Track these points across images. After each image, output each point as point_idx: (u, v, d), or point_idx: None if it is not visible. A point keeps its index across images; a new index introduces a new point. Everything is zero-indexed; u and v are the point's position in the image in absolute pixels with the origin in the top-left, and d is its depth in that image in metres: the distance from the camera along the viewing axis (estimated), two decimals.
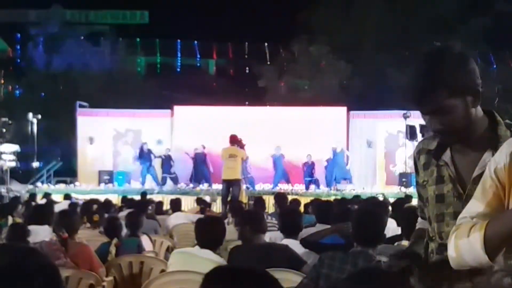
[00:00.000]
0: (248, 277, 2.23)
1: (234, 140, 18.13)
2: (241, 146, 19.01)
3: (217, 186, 22.17)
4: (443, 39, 31.52)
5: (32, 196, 18.69)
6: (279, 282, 2.26)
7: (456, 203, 2.87)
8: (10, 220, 9.97)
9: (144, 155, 25.41)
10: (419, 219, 3.31)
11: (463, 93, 2.73)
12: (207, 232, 5.95)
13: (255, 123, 26.98)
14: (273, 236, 7.58)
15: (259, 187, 24.19)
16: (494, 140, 2.80)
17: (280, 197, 12.94)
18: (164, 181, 25.28)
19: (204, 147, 25.07)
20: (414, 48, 33.06)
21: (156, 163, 25.79)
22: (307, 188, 24.41)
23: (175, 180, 25.33)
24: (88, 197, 19.60)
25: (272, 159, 25.22)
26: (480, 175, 2.73)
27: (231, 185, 17.65)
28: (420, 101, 2.76)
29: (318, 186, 24.59)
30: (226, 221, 10.33)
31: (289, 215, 7.12)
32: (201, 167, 25.17)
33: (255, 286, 2.19)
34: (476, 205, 2.47)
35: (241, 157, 17.88)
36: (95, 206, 12.90)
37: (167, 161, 25.69)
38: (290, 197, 16.18)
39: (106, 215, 10.50)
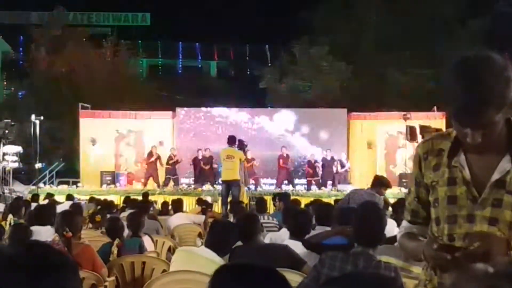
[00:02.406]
0: (257, 274, 2.27)
1: (232, 141, 18.11)
2: (242, 147, 19.01)
3: (219, 187, 22.18)
4: (442, 40, 31.57)
5: (35, 196, 18.69)
6: (287, 279, 2.29)
7: (470, 206, 2.83)
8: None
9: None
10: (405, 223, 3.25)
11: (507, 106, 2.67)
12: (219, 235, 5.97)
13: (256, 125, 27.09)
14: (273, 236, 7.61)
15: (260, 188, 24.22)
16: None
17: (284, 196, 13.03)
18: (167, 182, 25.32)
19: (205, 150, 25.19)
20: (414, 49, 33.11)
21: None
22: (308, 188, 24.50)
23: (176, 182, 25.38)
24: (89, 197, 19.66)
25: (282, 159, 25.32)
26: (499, 180, 2.79)
27: (230, 185, 17.64)
28: (472, 118, 2.65)
29: (319, 186, 24.64)
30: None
31: (300, 217, 7.10)
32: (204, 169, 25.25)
33: (265, 283, 2.23)
34: None
35: (239, 158, 17.82)
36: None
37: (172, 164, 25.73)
38: (291, 198, 16.23)
39: (108, 216, 10.52)
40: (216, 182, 23.78)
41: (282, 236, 7.19)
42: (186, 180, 25.94)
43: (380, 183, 10.84)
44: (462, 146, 2.87)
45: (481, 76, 2.62)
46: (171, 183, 25.12)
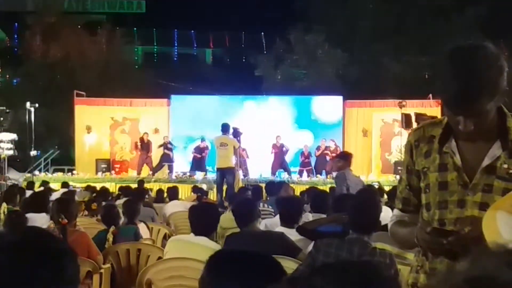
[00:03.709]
0: (252, 261, 2.27)
1: (226, 129, 18.13)
2: (237, 135, 19.00)
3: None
4: (438, 27, 31.53)
5: (30, 184, 18.66)
6: (282, 266, 2.30)
7: (460, 191, 2.87)
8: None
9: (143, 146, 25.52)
10: (396, 212, 3.26)
11: (499, 95, 2.72)
12: (200, 219, 5.98)
13: (252, 112, 27.11)
14: (268, 223, 7.62)
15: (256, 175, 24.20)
16: (503, 132, 2.83)
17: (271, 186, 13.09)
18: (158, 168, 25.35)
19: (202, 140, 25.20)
20: (409, 37, 33.08)
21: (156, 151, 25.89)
22: (300, 175, 24.55)
23: (171, 169, 25.41)
24: (85, 185, 19.68)
25: (274, 149, 25.30)
26: (490, 165, 2.81)
27: (224, 173, 17.66)
28: (464, 106, 2.68)
29: (314, 174, 24.68)
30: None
31: (290, 204, 7.11)
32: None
33: (260, 269, 2.23)
34: None
35: (233, 145, 17.84)
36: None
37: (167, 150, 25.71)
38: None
39: (103, 203, 10.54)
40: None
41: (277, 222, 7.20)
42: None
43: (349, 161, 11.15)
44: (453, 132, 2.90)
45: (475, 65, 2.65)
46: (166, 170, 25.14)
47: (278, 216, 7.85)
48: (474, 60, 2.66)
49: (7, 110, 26.88)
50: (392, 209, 3.44)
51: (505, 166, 2.81)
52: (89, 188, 16.96)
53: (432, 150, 2.97)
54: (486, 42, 2.74)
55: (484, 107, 2.67)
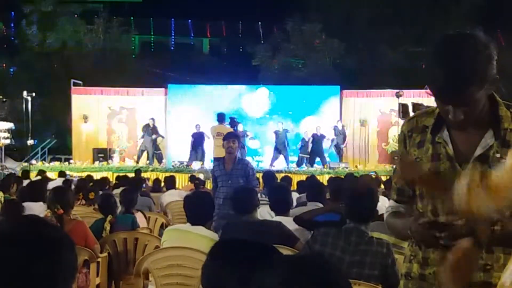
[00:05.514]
0: (256, 250, 2.27)
1: (222, 118, 18.11)
2: (234, 124, 19.00)
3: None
4: (435, 17, 31.51)
5: (25, 173, 18.62)
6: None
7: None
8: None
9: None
10: (392, 203, 3.26)
11: (489, 83, 2.70)
12: (196, 208, 5.97)
13: (248, 102, 27.09)
14: (263, 210, 7.62)
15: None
16: (495, 121, 2.83)
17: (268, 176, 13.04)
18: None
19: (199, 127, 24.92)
20: (407, 27, 33.05)
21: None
22: (299, 164, 24.50)
23: (160, 158, 25.38)
24: (83, 174, 19.65)
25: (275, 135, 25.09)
26: (482, 155, 2.81)
27: None
28: (453, 95, 2.69)
29: (311, 163, 24.63)
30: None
31: (278, 192, 7.10)
32: (198, 146, 25.11)
33: (263, 258, 2.22)
34: None
35: None
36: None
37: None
38: (283, 174, 16.32)
39: (100, 192, 10.53)
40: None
41: (268, 209, 7.21)
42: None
43: None
44: (446, 122, 2.89)
45: (462, 54, 2.64)
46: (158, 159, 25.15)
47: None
48: (461, 49, 2.66)
49: (4, 99, 26.86)
50: (389, 198, 3.43)
51: (498, 155, 2.80)
52: (89, 178, 16.95)
53: (425, 140, 2.98)
54: (475, 31, 2.73)
55: (473, 96, 2.67)
